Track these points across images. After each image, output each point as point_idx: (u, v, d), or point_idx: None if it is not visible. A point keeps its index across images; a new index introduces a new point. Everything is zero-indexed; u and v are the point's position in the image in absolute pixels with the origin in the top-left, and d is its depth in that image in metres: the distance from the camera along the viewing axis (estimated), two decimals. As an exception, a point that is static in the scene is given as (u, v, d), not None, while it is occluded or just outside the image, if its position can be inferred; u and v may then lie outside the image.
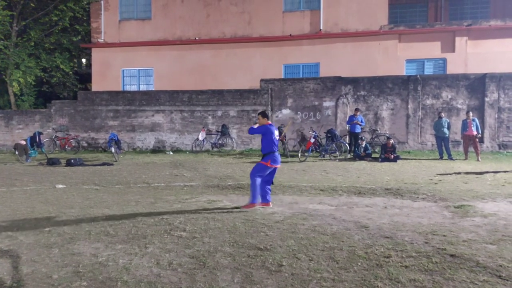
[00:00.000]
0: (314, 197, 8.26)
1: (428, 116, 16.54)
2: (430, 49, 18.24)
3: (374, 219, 6.19)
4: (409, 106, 16.61)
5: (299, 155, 14.49)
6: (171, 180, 10.65)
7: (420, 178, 10.55)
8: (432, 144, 16.15)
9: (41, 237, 5.26)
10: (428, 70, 18.44)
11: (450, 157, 14.34)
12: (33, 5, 21.45)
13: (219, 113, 17.78)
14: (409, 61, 18.50)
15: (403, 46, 18.47)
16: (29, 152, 15.80)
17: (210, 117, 17.83)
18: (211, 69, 19.72)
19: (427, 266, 4.01)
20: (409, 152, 16.25)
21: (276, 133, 7.43)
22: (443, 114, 14.85)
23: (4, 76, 21.08)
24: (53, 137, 19.09)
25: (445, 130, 14.48)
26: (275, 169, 7.23)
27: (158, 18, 20.54)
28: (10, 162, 15.59)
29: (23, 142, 15.94)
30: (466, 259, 4.21)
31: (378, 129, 16.67)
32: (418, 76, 16.69)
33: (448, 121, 14.75)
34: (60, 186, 10.02)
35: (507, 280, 3.67)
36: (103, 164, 14.36)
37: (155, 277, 3.84)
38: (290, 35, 19.02)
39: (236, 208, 7.01)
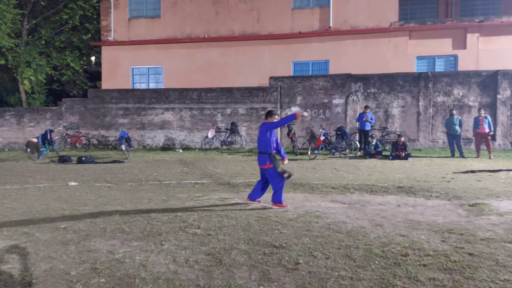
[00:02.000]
0: (326, 195, 8.23)
1: (439, 113, 16.40)
2: (441, 46, 18.07)
3: (388, 217, 6.15)
4: (420, 104, 16.49)
5: (309, 153, 14.45)
6: (182, 177, 10.67)
7: (432, 176, 10.47)
8: (443, 142, 16.02)
9: (57, 234, 5.30)
10: (439, 67, 18.27)
11: (462, 155, 14.22)
12: (43, 3, 21.59)
13: (228, 110, 17.79)
14: (419, 58, 18.34)
15: (414, 43, 18.31)
16: (41, 149, 15.92)
17: (219, 115, 17.85)
18: (220, 66, 19.72)
19: (445, 265, 3.97)
20: (420, 150, 16.13)
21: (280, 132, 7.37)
22: (454, 112, 14.72)
23: (15, 74, 21.25)
24: (64, 135, 19.22)
25: (457, 127, 14.35)
26: (262, 169, 7.17)
27: (167, 16, 20.57)
28: (22, 159, 15.73)
29: (35, 140, 16.08)
30: (485, 258, 4.17)
31: (389, 127, 16.56)
32: (429, 73, 16.55)
33: (459, 118, 14.61)
34: (73, 183, 10.08)
35: (528, 279, 3.63)
36: (114, 161, 14.45)
37: (172, 274, 3.85)
38: (299, 32, 18.94)
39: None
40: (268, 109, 7.43)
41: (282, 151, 7.53)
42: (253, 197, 7.41)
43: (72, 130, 19.49)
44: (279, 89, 17.43)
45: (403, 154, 13.89)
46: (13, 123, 20.35)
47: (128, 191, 8.94)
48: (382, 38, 18.36)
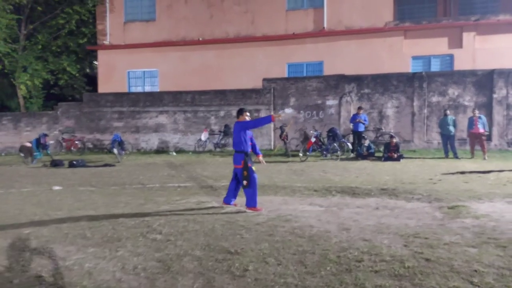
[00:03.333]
0: (306, 198, 8.10)
1: (434, 114, 16.19)
2: (437, 45, 17.86)
3: (360, 221, 6.02)
4: (414, 104, 16.29)
5: (300, 154, 14.32)
6: (167, 181, 10.60)
7: (420, 177, 10.30)
8: (438, 143, 15.79)
9: (18, 240, 5.23)
10: (435, 66, 18.05)
11: (455, 156, 14.00)
12: (40, 8, 21.70)
13: (222, 113, 17.72)
14: (415, 57, 18.14)
15: (409, 42, 18.12)
16: (34, 154, 15.94)
17: (213, 117, 17.79)
18: (215, 69, 19.66)
19: (397, 271, 3.84)
20: (414, 151, 15.93)
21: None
22: (448, 112, 14.51)
23: (12, 79, 21.38)
24: (60, 139, 19.27)
25: (451, 128, 14.14)
26: (235, 169, 7.09)
27: (162, 19, 20.57)
28: (16, 164, 15.78)
29: (29, 144, 16.12)
30: (441, 263, 4.02)
31: (383, 128, 16.38)
32: (423, 73, 16.35)
33: (454, 118, 14.40)
34: (57, 188, 10.05)
35: (478, 286, 3.49)
36: (105, 165, 14.43)
37: (115, 282, 3.76)
38: (293, 33, 18.84)
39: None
40: (240, 107, 7.38)
41: (257, 148, 7.42)
42: (228, 200, 7.30)
43: (68, 134, 19.53)
44: (272, 90, 17.33)
45: (396, 155, 13.72)
46: (10, 127, 20.46)
47: (109, 195, 8.88)
48: (377, 38, 18.19)
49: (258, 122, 7.19)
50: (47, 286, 3.71)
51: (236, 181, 7.18)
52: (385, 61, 17.96)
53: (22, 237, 5.37)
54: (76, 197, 8.59)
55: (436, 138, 16.01)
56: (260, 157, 7.51)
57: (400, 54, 18.01)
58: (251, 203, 6.91)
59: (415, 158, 14.43)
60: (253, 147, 7.30)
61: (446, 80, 16.07)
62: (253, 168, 6.99)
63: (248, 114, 7.27)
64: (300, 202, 7.66)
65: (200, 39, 19.94)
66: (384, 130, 16.27)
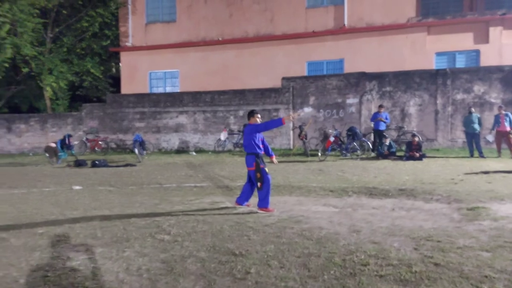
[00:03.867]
0: (321, 198, 7.99)
1: (458, 111, 15.70)
2: (462, 41, 17.32)
3: (373, 223, 5.87)
4: (438, 102, 15.85)
5: (319, 154, 14.15)
6: (183, 181, 10.67)
7: (441, 177, 10.00)
8: (463, 141, 15.32)
9: (31, 240, 5.35)
10: (460, 63, 17.51)
11: (481, 155, 13.54)
12: (65, 12, 22.25)
13: (241, 113, 17.72)
14: (439, 54, 17.64)
15: (433, 38, 17.63)
16: (59, 154, 16.34)
17: (232, 117, 17.81)
18: (234, 69, 19.68)
19: (404, 276, 3.71)
20: (438, 150, 15.50)
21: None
22: (473, 109, 14.05)
23: (39, 81, 22.01)
24: (84, 139, 19.71)
25: (476, 126, 13.69)
26: (249, 171, 7.04)
27: (183, 20, 20.74)
28: (42, 164, 16.21)
29: (53, 145, 16.54)
30: (451, 268, 3.86)
31: (405, 126, 16.01)
32: (447, 69, 15.89)
33: (478, 116, 13.94)
34: (77, 187, 10.26)
35: (487, 293, 3.33)
36: (126, 165, 14.65)
37: (117, 284, 3.78)
38: (313, 31, 18.64)
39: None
40: (250, 109, 7.35)
41: (269, 150, 7.37)
42: (241, 201, 7.27)
43: (92, 134, 19.95)
44: (291, 89, 17.21)
45: (418, 154, 13.38)
46: (37, 128, 21.07)
47: (126, 194, 8.99)
48: (399, 35, 17.79)
49: (269, 125, 7.11)
50: (51, 286, 3.76)
51: (251, 182, 7.14)
52: (408, 58, 17.55)
53: (36, 237, 5.47)
54: (94, 197, 8.73)
55: (461, 136, 15.53)
56: (274, 158, 7.47)
57: (423, 51, 17.55)
58: (263, 204, 6.86)
59: (438, 157, 14.04)
60: (266, 149, 7.25)
61: (471, 77, 15.57)
62: (266, 169, 6.94)
63: (259, 116, 7.21)
64: (314, 203, 7.56)
65: (220, 38, 19.99)
66: (406, 129, 15.90)
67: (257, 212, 6.75)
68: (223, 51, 20.01)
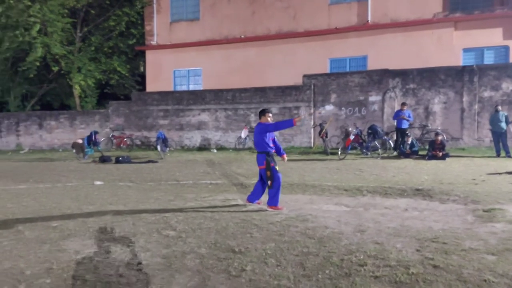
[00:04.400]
0: (334, 197, 7.93)
1: (485, 109, 15.18)
2: (491, 37, 16.70)
3: (382, 223, 5.79)
4: (464, 99, 15.38)
5: (339, 153, 14.00)
6: (200, 178, 10.80)
7: (462, 177, 9.74)
8: (490, 141, 14.79)
9: (44, 233, 5.55)
10: (489, 59, 16.91)
11: (507, 154, 13.08)
12: (93, 12, 22.86)
13: (262, 110, 17.71)
14: (466, 50, 17.10)
15: (460, 34, 17.10)
16: (86, 150, 16.83)
17: (252, 115, 17.84)
18: (256, 66, 19.69)
19: (399, 278, 3.65)
20: (463, 149, 15.05)
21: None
22: (500, 107, 13.57)
23: (68, 80, 22.72)
24: (110, 136, 20.21)
25: (502, 124, 13.22)
26: (260, 170, 7.05)
27: (206, 18, 20.91)
28: (69, 159, 16.74)
29: (80, 141, 17.07)
30: (450, 271, 3.77)
31: (429, 125, 15.61)
32: (474, 66, 15.38)
33: (506, 114, 13.45)
34: (98, 182, 10.56)
35: (483, 298, 3.24)
36: (148, 161, 14.94)
37: (115, 277, 3.88)
38: (336, 28, 18.42)
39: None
40: (261, 108, 7.38)
41: (281, 149, 7.37)
42: (252, 199, 7.31)
43: (118, 131, 20.44)
44: (312, 87, 17.08)
45: (441, 154, 13.04)
46: (67, 125, 21.76)
47: (144, 190, 9.18)
48: (424, 31, 17.34)
49: (279, 126, 7.08)
50: (53, 278, 3.90)
51: (262, 181, 7.17)
52: (433, 54, 17.09)
53: (49, 230, 5.68)
54: (112, 192, 8.97)
55: (488, 135, 15.01)
56: (285, 157, 7.44)
57: (449, 47, 17.05)
58: (272, 202, 6.87)
59: (463, 156, 13.64)
60: (277, 148, 7.24)
61: (500, 74, 15.01)
62: (277, 167, 6.96)
63: (270, 115, 7.21)
64: (327, 202, 7.51)
65: (242, 36, 20.05)
66: (430, 127, 15.51)
67: (266, 210, 6.77)
68: (245, 49, 20.06)
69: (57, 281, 3.82)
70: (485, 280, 3.53)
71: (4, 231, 5.71)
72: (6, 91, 24.49)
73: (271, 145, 7.06)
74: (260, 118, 7.20)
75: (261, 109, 7.51)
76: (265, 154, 6.93)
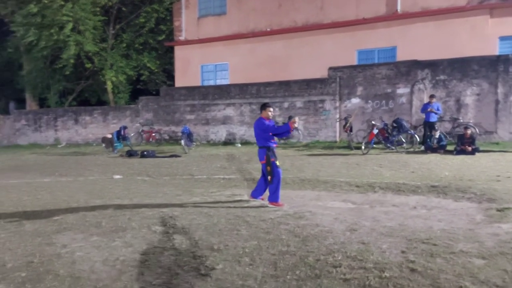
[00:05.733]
0: (344, 193, 7.71)
1: (523, 101, 14.24)
2: (530, 23, 15.61)
3: (381, 221, 5.55)
4: (498, 91, 14.47)
5: (362, 147, 13.58)
6: (215, 172, 10.81)
7: (486, 174, 9.18)
8: (527, 134, 13.90)
9: (43, 226, 5.72)
10: (528, 47, 15.83)
11: (544, 149, 12.21)
12: (124, 9, 23.39)
13: (286, 104, 17.52)
14: (503, 38, 16.06)
15: (496, 21, 16.08)
16: (115, 144, 17.31)
17: (277, 109, 17.63)
18: (283, 59, 19.44)
19: (370, 282, 3.45)
20: (497, 144, 14.20)
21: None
22: (536, 99, 12.68)
23: (101, 76, 23.44)
24: (140, 131, 20.67)
25: (539, 117, 12.34)
26: (262, 165, 6.90)
27: (233, 12, 20.86)
28: (100, 154, 17.28)
29: (109, 136, 17.58)
30: (426, 275, 3.53)
31: (461, 118, 14.83)
32: (510, 55, 14.43)
33: (543, 106, 12.55)
34: (117, 176, 10.82)
35: (450, 306, 2.99)
36: (171, 156, 15.14)
37: (87, 273, 3.92)
38: (363, 18, 17.83)
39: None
40: (263, 102, 7.20)
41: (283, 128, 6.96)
42: (255, 194, 7.22)
43: (147, 126, 20.86)
44: (338, 80, 16.66)
45: (470, 148, 12.37)
46: (100, 120, 22.46)
47: (157, 184, 9.31)
48: (457, 19, 16.44)
49: (278, 130, 6.90)
50: (29, 272, 3.99)
51: (265, 177, 7.07)
52: (467, 43, 16.17)
53: (48, 223, 5.85)
54: (126, 186, 9.15)
55: (525, 129, 14.09)
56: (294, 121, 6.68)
57: (484, 35, 16.07)
58: (272, 198, 6.77)
59: (495, 151, 12.87)
60: (281, 129, 6.93)
61: (539, 62, 14.02)
62: (277, 163, 6.84)
63: (271, 110, 7.06)
64: (333, 198, 7.31)
65: (268, 29, 19.84)
66: (462, 121, 14.73)
67: (266, 206, 6.67)
68: (272, 42, 19.85)
69: (31, 275, 3.91)
70: (460, 287, 3.27)
71: (7, 223, 5.94)
72: (46, 88, 25.59)
73: (272, 140, 6.93)
74: (261, 112, 7.07)
75: (263, 103, 7.37)
76: (265, 148, 6.82)
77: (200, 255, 4.26)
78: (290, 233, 4.97)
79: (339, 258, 4.02)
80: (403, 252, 4.17)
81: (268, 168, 6.73)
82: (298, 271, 3.74)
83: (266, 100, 17.32)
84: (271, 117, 7.05)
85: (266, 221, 5.54)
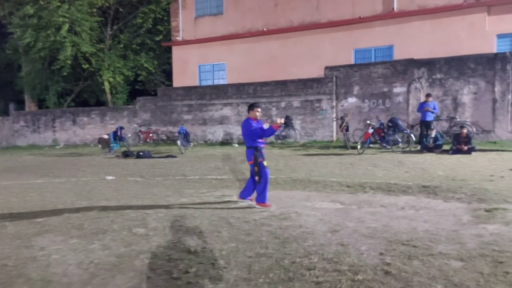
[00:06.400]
0: (333, 194, 7.63)
1: (520, 99, 14.11)
2: (528, 21, 15.48)
3: (366, 222, 5.47)
4: (495, 89, 14.35)
5: (358, 147, 13.50)
6: (208, 173, 10.75)
7: (480, 174, 9.10)
8: (525, 133, 13.77)
9: (25, 228, 5.67)
10: (526, 45, 15.70)
11: (541, 148, 12.08)
12: (121, 10, 23.38)
13: (283, 104, 17.44)
14: (501, 36, 15.94)
15: (494, 19, 15.96)
16: (111, 145, 17.29)
17: (274, 109, 17.59)
18: (279, 59, 19.38)
19: (341, 285, 3.37)
20: (494, 143, 14.08)
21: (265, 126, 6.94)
22: (533, 97, 12.55)
23: (98, 77, 23.43)
24: (137, 131, 20.64)
25: (536, 115, 12.22)
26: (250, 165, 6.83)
27: (229, 12, 20.82)
28: (96, 154, 17.26)
29: (106, 136, 17.57)
30: (400, 278, 3.45)
31: (458, 117, 14.72)
32: (507, 53, 14.31)
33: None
34: (109, 177, 10.76)
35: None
36: (167, 156, 15.11)
37: (59, 276, 3.86)
38: (360, 17, 17.74)
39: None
40: (251, 102, 7.11)
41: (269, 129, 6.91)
42: (243, 195, 7.15)
43: (144, 126, 20.83)
44: (334, 79, 16.57)
45: (466, 147, 12.27)
46: (98, 121, 22.45)
47: (148, 186, 9.25)
48: (454, 17, 16.34)
49: (265, 133, 6.80)
50: (1, 275, 3.94)
51: (254, 177, 7.00)
52: (464, 42, 16.07)
53: (30, 226, 5.80)
54: (117, 187, 9.09)
55: (522, 127, 13.97)
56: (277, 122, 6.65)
57: (482, 33, 15.96)
58: (260, 199, 6.70)
59: (492, 151, 12.76)
60: (268, 131, 6.83)
61: (536, 60, 13.88)
62: (265, 163, 6.77)
63: (259, 110, 6.97)
64: (323, 199, 7.23)
65: (265, 29, 19.77)
66: (459, 120, 14.62)
67: (253, 207, 6.60)
68: (268, 41, 19.79)
69: (3, 278, 3.85)
70: (433, 291, 3.20)
71: (-11, 225, 5.90)
72: (45, 89, 25.61)
73: (259, 140, 6.85)
74: (248, 112, 6.99)
75: (250, 103, 7.29)
76: (253, 149, 6.75)
77: (175, 258, 4.20)
78: (271, 234, 4.90)
79: (315, 260, 3.95)
80: (381, 254, 4.09)
81: (256, 168, 6.67)
82: (272, 274, 3.67)
83: (263, 100, 17.30)
84: (259, 118, 6.98)
85: (249, 223, 5.47)
